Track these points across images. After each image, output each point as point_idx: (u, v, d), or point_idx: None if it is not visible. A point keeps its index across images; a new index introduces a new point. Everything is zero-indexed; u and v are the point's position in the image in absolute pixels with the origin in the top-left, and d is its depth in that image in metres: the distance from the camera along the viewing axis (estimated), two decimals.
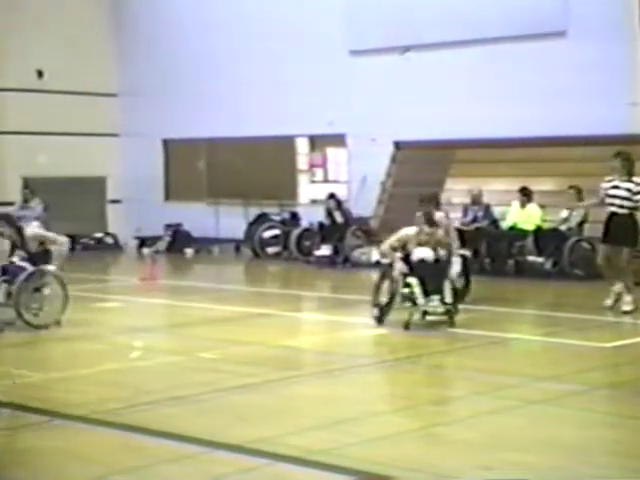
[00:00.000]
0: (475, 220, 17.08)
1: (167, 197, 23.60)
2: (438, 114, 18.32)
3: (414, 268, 11.11)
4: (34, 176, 21.70)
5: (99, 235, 23.09)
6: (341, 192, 19.96)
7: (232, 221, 21.57)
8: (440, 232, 11.52)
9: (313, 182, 21.44)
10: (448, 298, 11.09)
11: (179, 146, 23.31)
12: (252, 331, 11.26)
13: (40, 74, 22.63)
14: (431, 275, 11.10)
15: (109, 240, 23.19)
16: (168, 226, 22.42)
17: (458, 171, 18.65)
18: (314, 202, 20.66)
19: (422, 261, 11.18)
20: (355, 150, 20.21)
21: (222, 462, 6.20)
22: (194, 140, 22.64)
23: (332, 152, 21.16)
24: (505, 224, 16.88)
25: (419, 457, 6.27)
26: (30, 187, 20.92)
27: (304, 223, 20.16)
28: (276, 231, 20.37)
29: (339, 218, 18.90)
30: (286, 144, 21.35)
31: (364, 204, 19.45)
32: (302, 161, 21.53)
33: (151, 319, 12.98)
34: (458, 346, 10.32)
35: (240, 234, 21.21)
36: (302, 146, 21.48)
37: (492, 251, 16.52)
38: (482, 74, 18.34)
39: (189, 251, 21.72)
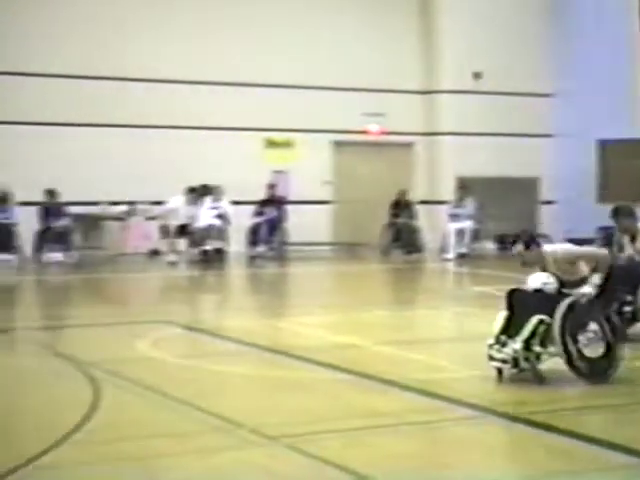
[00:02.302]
0: None
1: (600, 199, 23.03)
2: None
3: None
4: (468, 175, 22.12)
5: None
6: None
7: None
8: None
9: None
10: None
11: (614, 146, 22.66)
12: None
13: (477, 75, 23.00)
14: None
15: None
16: (600, 228, 21.85)
17: None
18: None
19: None
20: None
21: None
22: (631, 140, 21.91)
23: None
24: None
25: None
26: (464, 186, 21.39)
27: None
28: None
29: None
30: None
31: None
32: None
33: None
34: None
35: None
36: None
37: None
38: None
39: None
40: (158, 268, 18.90)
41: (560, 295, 8.31)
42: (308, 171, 21.95)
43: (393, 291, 17.27)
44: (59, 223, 19.03)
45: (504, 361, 8.12)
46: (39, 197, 18.89)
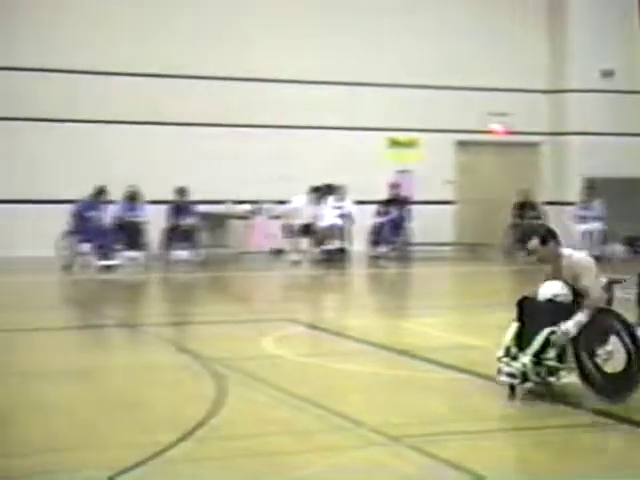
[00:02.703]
0: None
1: None
2: None
3: None
4: (595, 176, 21.70)
5: None
6: None
7: None
8: None
9: None
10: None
11: None
12: None
13: (607, 73, 22.54)
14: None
15: None
16: None
17: None
18: None
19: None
20: None
21: None
22: None
23: None
24: None
25: None
26: (592, 187, 21.00)
27: None
28: None
29: None
30: None
31: None
32: None
33: None
34: None
35: None
36: None
37: None
38: None
39: None
40: (281, 267, 19.09)
41: (574, 305, 7.58)
42: (431, 171, 21.87)
43: (516, 293, 17.03)
44: (187, 221, 19.40)
45: (512, 375, 7.51)
46: (169, 195, 19.27)
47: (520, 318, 7.74)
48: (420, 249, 20.87)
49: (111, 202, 18.51)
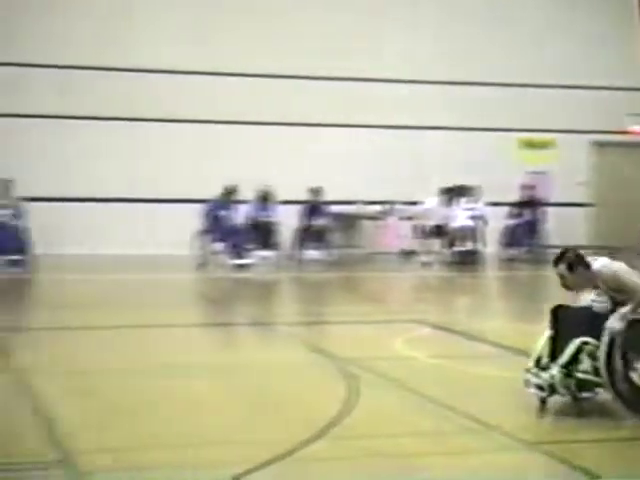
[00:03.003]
0: None
1: None
2: None
3: None
4: None
5: None
6: None
7: None
8: None
9: None
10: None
11: None
12: None
13: None
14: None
15: None
16: None
17: None
18: None
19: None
20: None
21: None
22: None
23: None
24: None
25: None
26: None
27: None
28: None
29: None
30: None
31: None
32: None
33: None
34: None
35: None
36: None
37: None
38: None
39: None
40: (412, 268, 19.02)
41: (613, 313, 7.06)
42: (565, 172, 21.49)
43: None
44: (319, 221, 19.51)
45: (540, 387, 7.02)
46: (300, 196, 19.41)
47: (554, 326, 7.30)
48: (555, 252, 20.47)
49: (242, 202, 18.74)
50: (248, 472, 5.71)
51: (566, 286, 7.39)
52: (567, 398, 7.11)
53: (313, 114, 20.64)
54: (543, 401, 7.14)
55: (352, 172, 20.51)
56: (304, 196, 19.43)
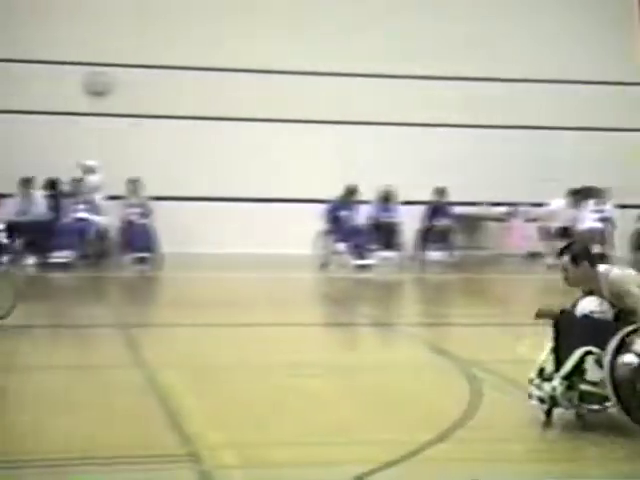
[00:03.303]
0: None
1: None
2: None
3: None
4: None
5: None
6: None
7: None
8: None
9: None
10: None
11: None
12: None
13: None
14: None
15: None
16: None
17: None
18: None
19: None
20: None
21: None
22: None
23: None
24: None
25: None
26: None
27: None
28: None
29: None
30: None
31: None
32: None
33: None
34: None
35: None
36: None
37: None
38: None
39: None
40: (537, 270, 18.74)
41: (617, 322, 6.60)
42: None
43: None
44: (442, 222, 19.38)
45: (541, 400, 6.61)
46: (422, 196, 19.30)
47: (555, 337, 6.82)
48: None
49: (363, 202, 18.74)
50: (372, 472, 5.69)
51: (567, 280, 7.00)
52: (570, 411, 6.72)
53: (437, 114, 20.50)
54: (548, 414, 6.70)
55: (476, 173, 20.30)
56: (427, 197, 19.35)
